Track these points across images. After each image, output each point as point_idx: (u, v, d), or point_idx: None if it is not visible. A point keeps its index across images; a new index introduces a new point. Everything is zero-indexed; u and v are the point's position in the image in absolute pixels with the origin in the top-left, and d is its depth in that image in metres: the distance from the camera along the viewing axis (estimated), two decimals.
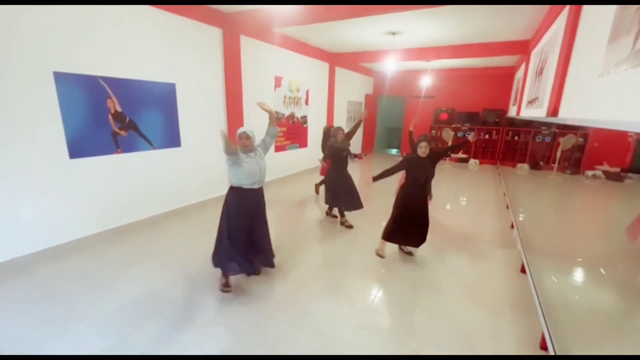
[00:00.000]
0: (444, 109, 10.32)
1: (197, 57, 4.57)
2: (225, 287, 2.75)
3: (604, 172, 6.54)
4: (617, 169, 6.29)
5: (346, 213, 4.49)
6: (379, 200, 5.08)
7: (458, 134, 9.69)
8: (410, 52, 7.12)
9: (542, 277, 2.70)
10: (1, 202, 2.92)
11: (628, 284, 2.93)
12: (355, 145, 10.71)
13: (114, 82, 3.61)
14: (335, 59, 8.18)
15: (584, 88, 2.44)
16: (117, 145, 3.76)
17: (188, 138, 4.60)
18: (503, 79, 9.41)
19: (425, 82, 9.51)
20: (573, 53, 2.91)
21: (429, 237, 3.38)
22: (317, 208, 5.18)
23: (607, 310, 2.54)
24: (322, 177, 5.24)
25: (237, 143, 2.65)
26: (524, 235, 3.57)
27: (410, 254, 3.53)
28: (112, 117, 3.66)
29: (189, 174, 4.72)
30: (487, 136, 9.83)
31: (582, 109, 2.43)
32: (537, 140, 9.01)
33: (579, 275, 3.27)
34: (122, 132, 3.79)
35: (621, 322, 2.39)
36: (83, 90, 3.35)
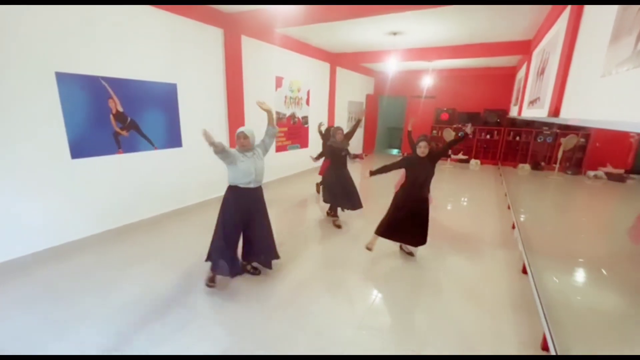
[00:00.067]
0: (445, 109, 10.30)
1: (198, 57, 4.58)
2: (211, 282, 2.80)
3: (607, 173, 6.50)
4: (621, 171, 6.26)
5: (346, 213, 4.49)
6: (379, 200, 5.07)
7: (459, 134, 9.66)
8: (412, 52, 7.12)
9: (544, 277, 2.69)
10: (3, 202, 2.93)
11: (630, 284, 2.92)
12: (356, 145, 10.71)
13: (116, 83, 3.62)
14: (336, 59, 8.19)
15: (585, 88, 2.43)
16: (118, 145, 3.77)
17: (189, 138, 4.61)
18: (504, 79, 9.39)
19: (427, 82, 9.50)
20: (574, 53, 2.91)
21: (429, 237, 3.37)
22: (318, 208, 5.18)
23: (608, 311, 2.53)
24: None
25: (236, 143, 2.69)
26: (525, 236, 3.56)
27: (411, 254, 3.52)
28: (114, 118, 3.67)
29: (190, 174, 4.73)
30: (488, 136, 9.82)
31: (583, 109, 2.43)
32: (539, 140, 9.00)
33: (580, 275, 3.26)
34: (124, 132, 3.80)
35: (623, 322, 2.38)
36: (85, 90, 3.36)
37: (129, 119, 3.83)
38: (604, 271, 3.18)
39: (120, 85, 3.67)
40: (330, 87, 8.47)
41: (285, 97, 6.73)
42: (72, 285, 2.79)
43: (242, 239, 2.94)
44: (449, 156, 9.76)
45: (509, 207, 5.25)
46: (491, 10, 4.41)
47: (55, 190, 3.27)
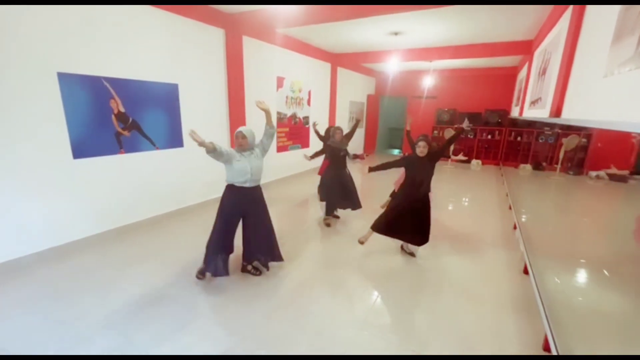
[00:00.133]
0: (446, 109, 10.29)
1: (199, 57, 4.58)
2: (200, 274, 2.90)
3: (612, 174, 6.46)
4: (626, 172, 6.21)
5: (346, 213, 4.49)
6: (380, 200, 5.07)
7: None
8: (413, 53, 7.11)
9: (545, 278, 2.68)
10: (6, 202, 2.94)
11: (632, 285, 2.91)
12: (357, 145, 10.70)
13: (117, 83, 3.63)
14: (337, 60, 8.19)
15: (587, 88, 2.43)
16: (120, 145, 3.78)
17: (190, 138, 4.59)
18: (505, 80, 9.38)
19: (428, 82, 9.49)
20: (576, 53, 2.90)
21: (431, 237, 3.37)
22: (319, 208, 5.17)
23: (610, 312, 2.52)
24: None
25: (234, 142, 2.74)
26: (526, 236, 3.55)
27: (412, 254, 3.52)
28: (116, 118, 3.68)
29: (192, 174, 4.74)
30: (489, 137, 9.80)
31: (585, 109, 2.42)
32: (540, 140, 8.96)
33: (582, 276, 3.24)
34: (125, 133, 3.81)
35: (625, 323, 2.37)
36: (86, 90, 3.37)
37: (130, 119, 3.84)
38: (606, 272, 3.17)
39: (122, 86, 3.68)
40: (332, 88, 8.47)
41: (287, 97, 6.73)
42: (73, 285, 2.80)
43: (242, 239, 2.96)
44: (449, 156, 9.75)
45: (510, 208, 5.24)
46: (493, 10, 4.40)
47: (56, 190, 3.28)
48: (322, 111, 8.30)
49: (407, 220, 3.28)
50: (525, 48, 5.99)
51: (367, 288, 2.94)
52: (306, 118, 7.54)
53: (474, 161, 9.87)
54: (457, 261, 3.47)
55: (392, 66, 8.62)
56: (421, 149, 3.09)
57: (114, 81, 3.59)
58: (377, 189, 6.52)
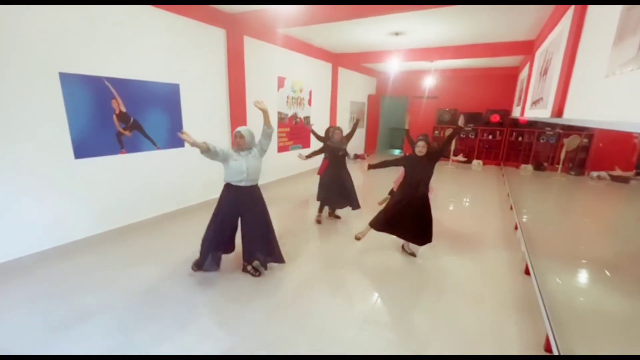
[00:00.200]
0: (447, 109, 10.28)
1: (200, 57, 4.59)
2: (196, 266, 3.00)
3: (616, 176, 6.41)
4: (631, 173, 6.17)
5: (346, 213, 4.48)
6: (379, 200, 5.06)
7: (461, 135, 9.64)
8: (414, 53, 7.10)
9: (546, 278, 2.68)
10: (7, 202, 2.95)
11: (633, 285, 2.91)
12: (358, 145, 10.70)
13: (119, 83, 3.63)
14: (338, 60, 8.18)
15: (589, 89, 2.42)
16: (121, 145, 3.78)
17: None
18: (507, 80, 9.36)
19: (429, 82, 9.48)
20: (578, 53, 2.89)
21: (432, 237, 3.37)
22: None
23: (612, 312, 2.51)
24: None
25: (232, 141, 2.78)
26: (528, 237, 3.54)
27: (413, 254, 3.51)
28: (117, 118, 3.68)
29: (192, 174, 4.74)
30: (490, 137, 9.78)
31: (587, 109, 2.41)
32: (541, 141, 8.95)
33: (583, 276, 3.24)
34: (127, 133, 3.81)
35: (626, 323, 2.36)
36: (88, 91, 3.37)
37: (132, 119, 3.84)
38: (607, 272, 3.16)
39: (123, 86, 3.68)
40: (332, 88, 8.47)
41: (288, 97, 6.73)
42: (73, 285, 2.80)
43: (241, 238, 2.98)
44: (448, 157, 9.74)
45: (511, 208, 5.23)
46: (494, 10, 4.39)
47: (57, 190, 3.29)
48: (323, 111, 8.30)
49: (407, 220, 3.27)
50: (527, 48, 5.98)
51: (368, 288, 2.93)
52: (307, 118, 7.54)
53: (475, 161, 9.85)
54: (458, 261, 3.47)
55: (393, 66, 8.63)
56: (420, 149, 3.09)
57: (115, 81, 3.60)
58: (376, 188, 6.51)
